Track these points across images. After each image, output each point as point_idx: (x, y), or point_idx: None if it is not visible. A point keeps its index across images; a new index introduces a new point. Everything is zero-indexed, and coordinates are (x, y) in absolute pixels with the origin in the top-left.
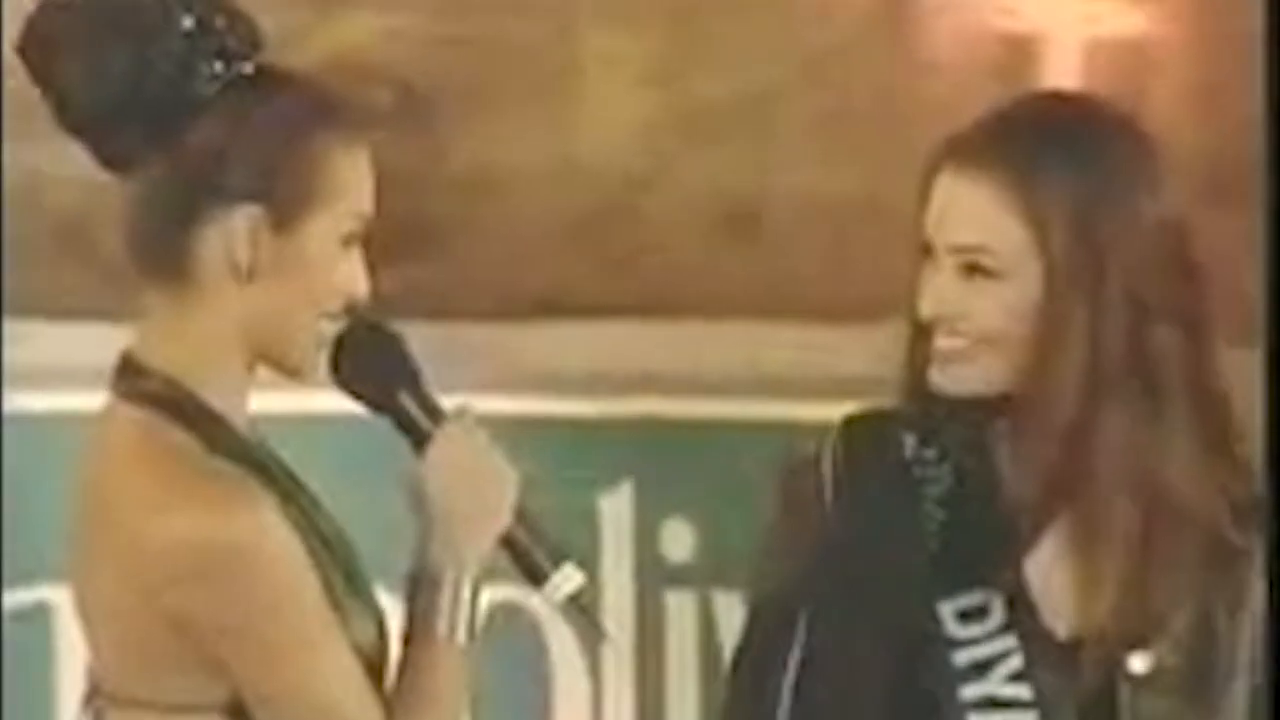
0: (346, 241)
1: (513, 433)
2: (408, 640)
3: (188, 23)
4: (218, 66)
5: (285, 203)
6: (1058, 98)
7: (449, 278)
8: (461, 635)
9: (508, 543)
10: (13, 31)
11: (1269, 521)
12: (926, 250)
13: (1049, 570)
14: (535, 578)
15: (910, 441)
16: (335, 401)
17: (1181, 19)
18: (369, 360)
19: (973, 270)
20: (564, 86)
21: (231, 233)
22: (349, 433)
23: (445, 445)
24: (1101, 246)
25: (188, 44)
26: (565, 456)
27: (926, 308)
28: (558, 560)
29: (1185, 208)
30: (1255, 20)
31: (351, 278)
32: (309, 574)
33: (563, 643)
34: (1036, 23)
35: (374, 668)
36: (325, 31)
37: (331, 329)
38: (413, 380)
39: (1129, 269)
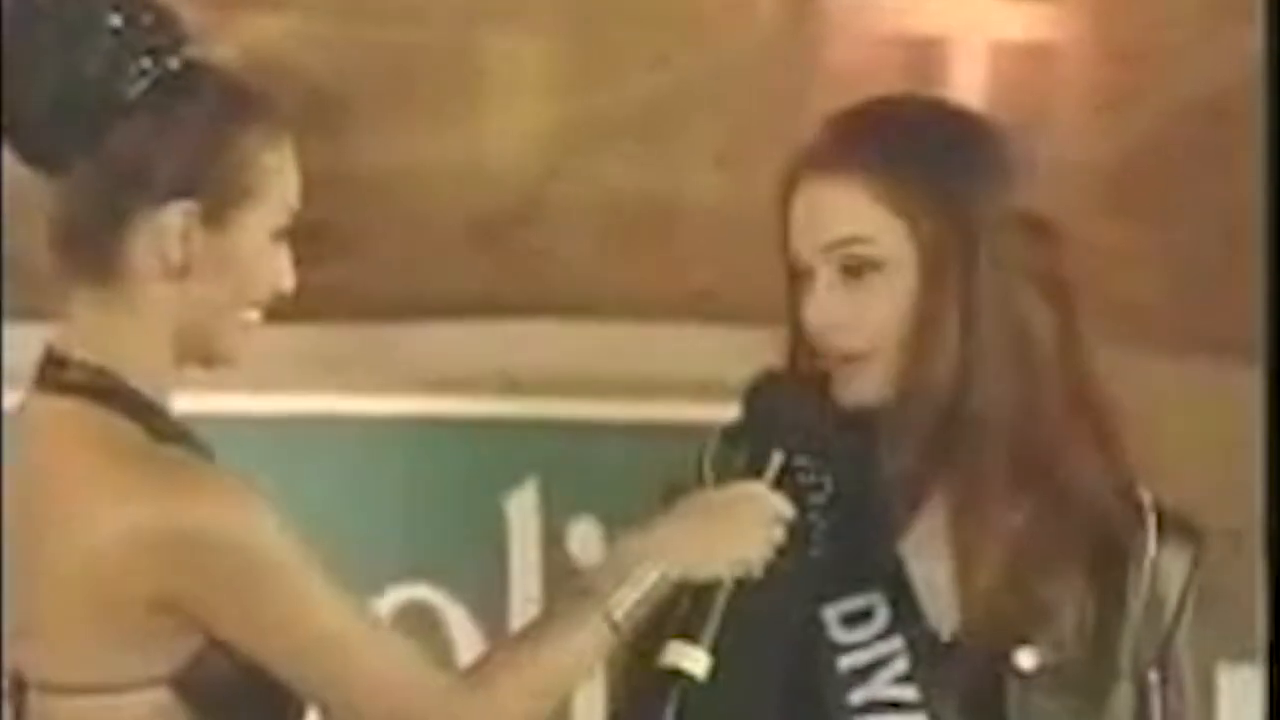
0: (276, 236)
1: (418, 433)
2: (572, 597)
3: (115, 21)
4: (145, 63)
5: (217, 199)
6: (897, 98)
7: (353, 278)
8: (617, 616)
9: (680, 589)
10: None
11: (1269, 530)
12: (796, 265)
13: (932, 569)
14: (669, 631)
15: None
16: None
17: (1088, 26)
18: (785, 411)
19: (852, 268)
20: (469, 89)
21: (164, 230)
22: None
23: (742, 492)
24: (969, 227)
25: (116, 42)
26: (471, 457)
27: (814, 320)
28: (695, 637)
29: (1040, 192)
30: (1167, 31)
31: (279, 271)
32: (288, 535)
33: (469, 639)
34: (943, 29)
35: None
36: (231, 33)
37: (255, 317)
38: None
39: (997, 249)
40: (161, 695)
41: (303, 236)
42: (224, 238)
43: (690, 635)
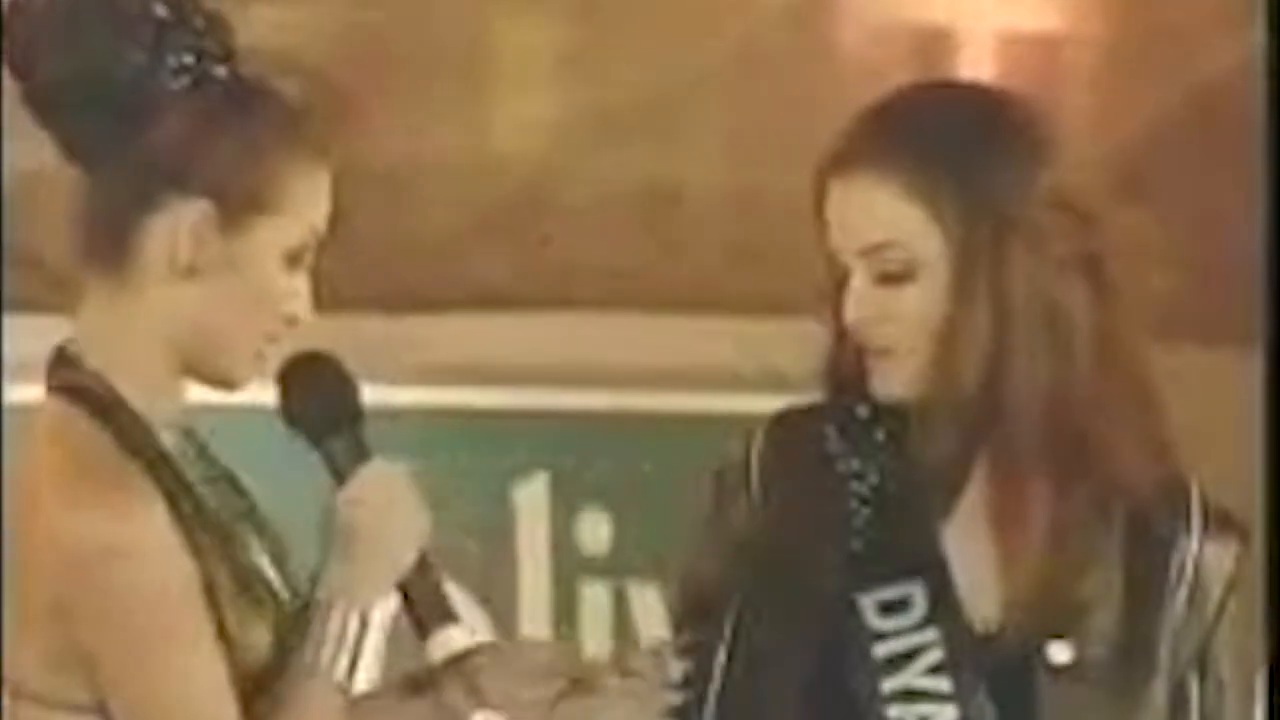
0: (292, 259)
1: (428, 424)
2: (293, 665)
3: (161, 11)
4: (187, 59)
5: (236, 205)
6: (924, 87)
7: (361, 270)
8: (341, 671)
9: (403, 590)
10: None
11: (1268, 519)
12: (834, 261)
13: (972, 561)
14: (420, 630)
15: (834, 437)
16: None
17: (1096, 13)
18: (315, 393)
19: (886, 269)
20: (478, 77)
21: (178, 224)
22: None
23: (363, 483)
24: (1002, 217)
25: (159, 33)
26: (481, 447)
27: (851, 315)
28: (445, 619)
29: (1076, 171)
30: (1172, 15)
31: (293, 296)
32: (186, 576)
33: (477, 630)
34: (950, 17)
35: (259, 670)
36: (238, 21)
37: (271, 348)
38: (351, 422)
39: (1031, 235)
40: None
41: None
42: (236, 244)
43: (427, 627)
